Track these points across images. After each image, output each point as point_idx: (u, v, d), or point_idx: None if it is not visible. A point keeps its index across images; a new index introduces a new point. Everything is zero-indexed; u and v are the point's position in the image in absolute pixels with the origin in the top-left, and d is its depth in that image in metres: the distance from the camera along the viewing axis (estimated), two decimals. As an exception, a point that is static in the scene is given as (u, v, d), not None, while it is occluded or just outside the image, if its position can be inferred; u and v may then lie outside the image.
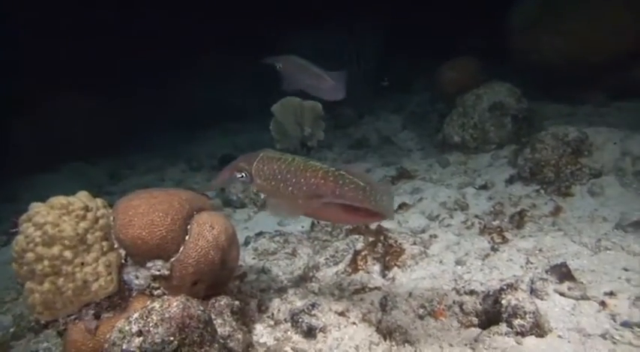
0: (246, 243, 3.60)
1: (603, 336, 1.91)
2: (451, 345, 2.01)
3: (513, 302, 2.01)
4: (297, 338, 2.26)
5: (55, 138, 7.38)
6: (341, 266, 2.92)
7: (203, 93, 9.43)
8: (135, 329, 1.64)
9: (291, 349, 2.19)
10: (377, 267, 2.83)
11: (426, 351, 2.01)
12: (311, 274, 2.91)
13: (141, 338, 1.62)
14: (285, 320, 2.38)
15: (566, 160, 3.56)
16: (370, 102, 7.42)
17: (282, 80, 3.14)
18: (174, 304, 1.70)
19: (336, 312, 2.34)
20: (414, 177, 4.56)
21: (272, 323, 2.40)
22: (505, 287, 2.08)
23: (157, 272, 2.04)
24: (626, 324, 1.95)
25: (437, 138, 5.10)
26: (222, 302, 2.16)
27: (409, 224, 3.56)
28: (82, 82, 7.73)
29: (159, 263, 2.04)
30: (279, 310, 2.48)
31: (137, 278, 2.01)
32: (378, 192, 1.73)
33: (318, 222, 3.51)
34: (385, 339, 2.15)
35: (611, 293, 2.13)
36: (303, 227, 3.87)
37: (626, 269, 2.34)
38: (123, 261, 2.04)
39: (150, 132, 8.56)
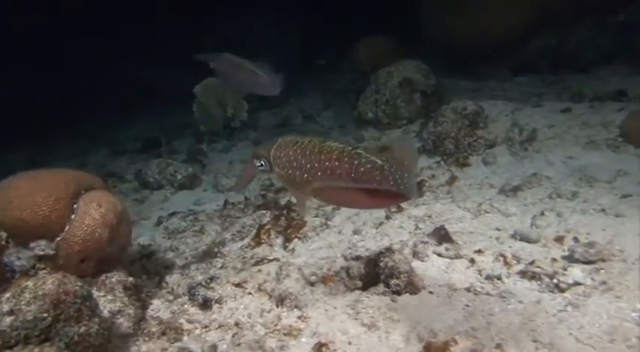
0: (159, 222, 3.61)
1: (468, 289, 2.09)
2: (335, 308, 2.13)
3: (390, 263, 2.15)
4: (193, 310, 2.33)
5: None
6: (246, 241, 3.01)
7: (131, 76, 9.17)
8: (6, 308, 1.65)
9: (186, 321, 2.25)
10: (279, 240, 2.93)
11: (312, 314, 2.12)
12: (216, 250, 2.97)
13: (12, 317, 1.63)
14: (183, 294, 2.44)
15: (464, 132, 3.76)
16: (296, 83, 7.46)
17: (217, 77, 3.15)
18: (50, 281, 1.72)
19: (233, 284, 2.43)
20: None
21: (170, 298, 2.46)
22: (384, 250, 2.22)
23: (42, 252, 2.04)
24: (488, 277, 2.14)
25: (353, 115, 5.23)
26: (113, 279, 2.19)
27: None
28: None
29: (42, 243, 2.05)
30: (178, 285, 2.54)
31: (19, 259, 2.00)
32: (398, 170, 1.52)
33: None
34: (277, 306, 2.25)
35: (479, 251, 2.32)
36: (218, 205, 3.92)
37: (498, 229, 2.55)
38: (4, 243, 2.02)
39: (74, 116, 8.26)
